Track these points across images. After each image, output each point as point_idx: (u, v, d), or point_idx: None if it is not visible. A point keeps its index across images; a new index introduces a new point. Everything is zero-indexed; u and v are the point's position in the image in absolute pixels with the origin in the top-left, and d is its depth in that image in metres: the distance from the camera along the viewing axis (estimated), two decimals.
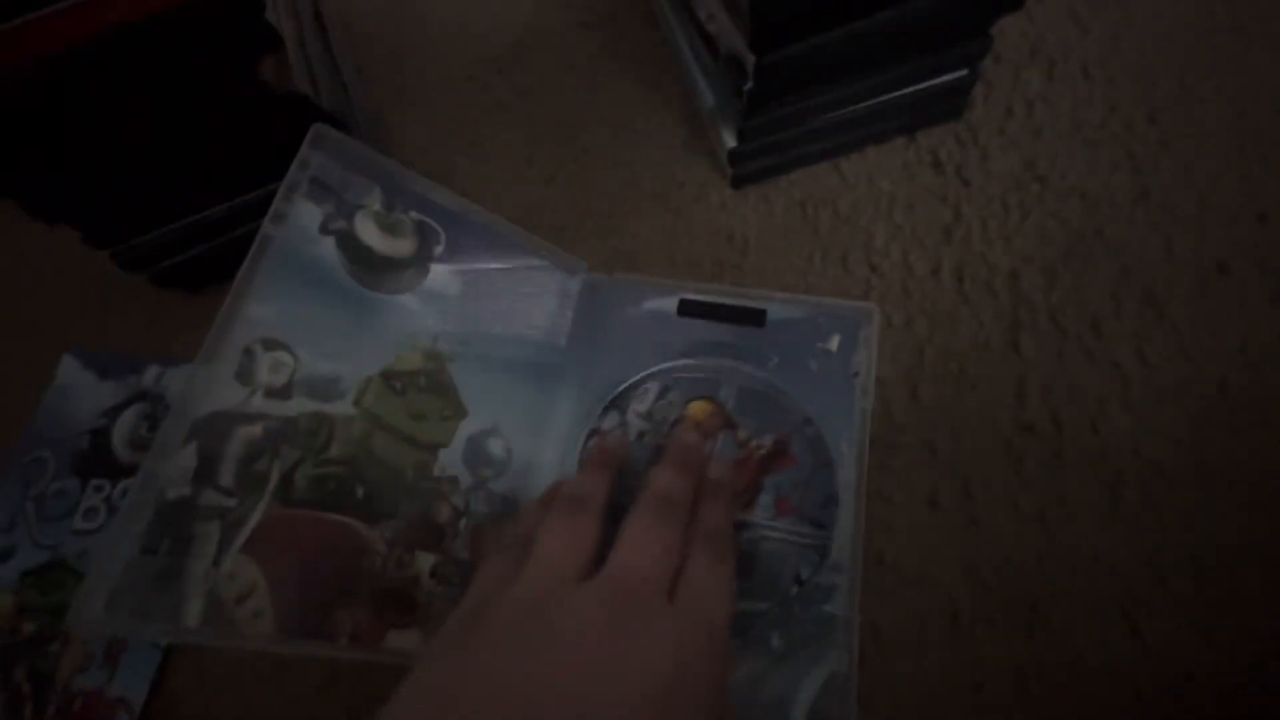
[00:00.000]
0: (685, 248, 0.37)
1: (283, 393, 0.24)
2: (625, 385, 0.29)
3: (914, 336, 0.33)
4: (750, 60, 0.30)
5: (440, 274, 0.28)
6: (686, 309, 0.30)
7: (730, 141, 0.36)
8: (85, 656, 0.29)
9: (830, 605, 0.25)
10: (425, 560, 0.25)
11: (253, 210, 0.34)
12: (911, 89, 0.35)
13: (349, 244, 0.27)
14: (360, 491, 0.25)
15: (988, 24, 0.33)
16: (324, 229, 0.26)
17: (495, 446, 0.28)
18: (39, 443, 0.34)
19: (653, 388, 0.29)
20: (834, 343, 0.29)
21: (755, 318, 0.30)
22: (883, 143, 0.38)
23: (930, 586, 0.28)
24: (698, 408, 0.29)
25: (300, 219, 0.26)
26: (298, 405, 0.25)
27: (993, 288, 0.34)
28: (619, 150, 0.40)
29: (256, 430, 0.24)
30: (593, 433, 0.29)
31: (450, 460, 0.27)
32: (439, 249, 0.29)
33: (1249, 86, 0.37)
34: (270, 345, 0.24)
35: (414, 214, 0.28)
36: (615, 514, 0.22)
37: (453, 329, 0.28)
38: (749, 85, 0.32)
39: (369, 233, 0.27)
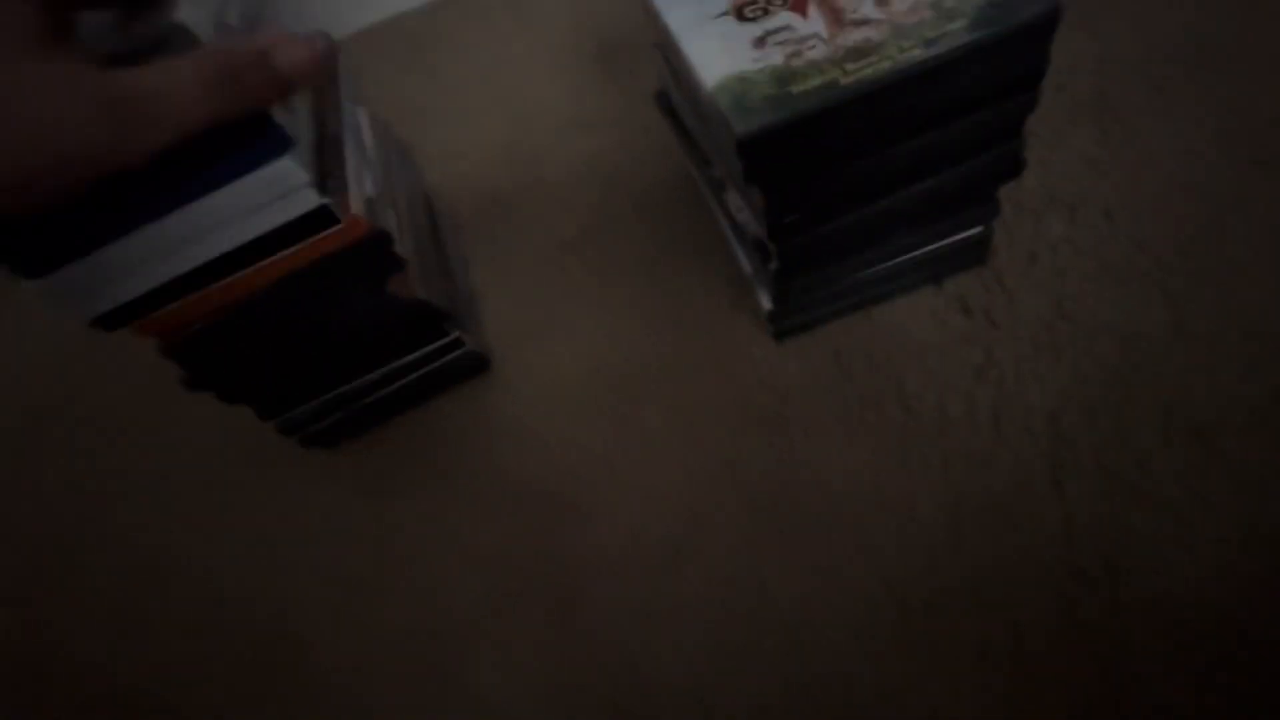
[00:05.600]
0: (732, 399, 0.41)
1: None
2: None
3: (953, 479, 0.34)
4: (772, 247, 0.36)
5: None
6: None
7: (767, 304, 0.41)
8: None
9: None
10: None
11: (380, 383, 0.43)
12: (931, 247, 0.39)
13: None
14: None
15: (990, 193, 0.37)
16: None
17: None
18: None
19: None
20: None
21: None
22: (911, 292, 0.41)
23: None
24: None
25: None
26: None
27: (1031, 429, 0.35)
28: (675, 312, 0.46)
29: None
30: None
31: None
32: None
33: (1274, 214, 0.38)
34: None
35: None
36: None
37: None
38: (774, 265, 0.37)
39: None
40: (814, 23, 0.27)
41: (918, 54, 0.26)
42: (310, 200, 0.32)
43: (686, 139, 0.44)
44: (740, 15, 0.29)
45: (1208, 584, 0.29)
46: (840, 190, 0.34)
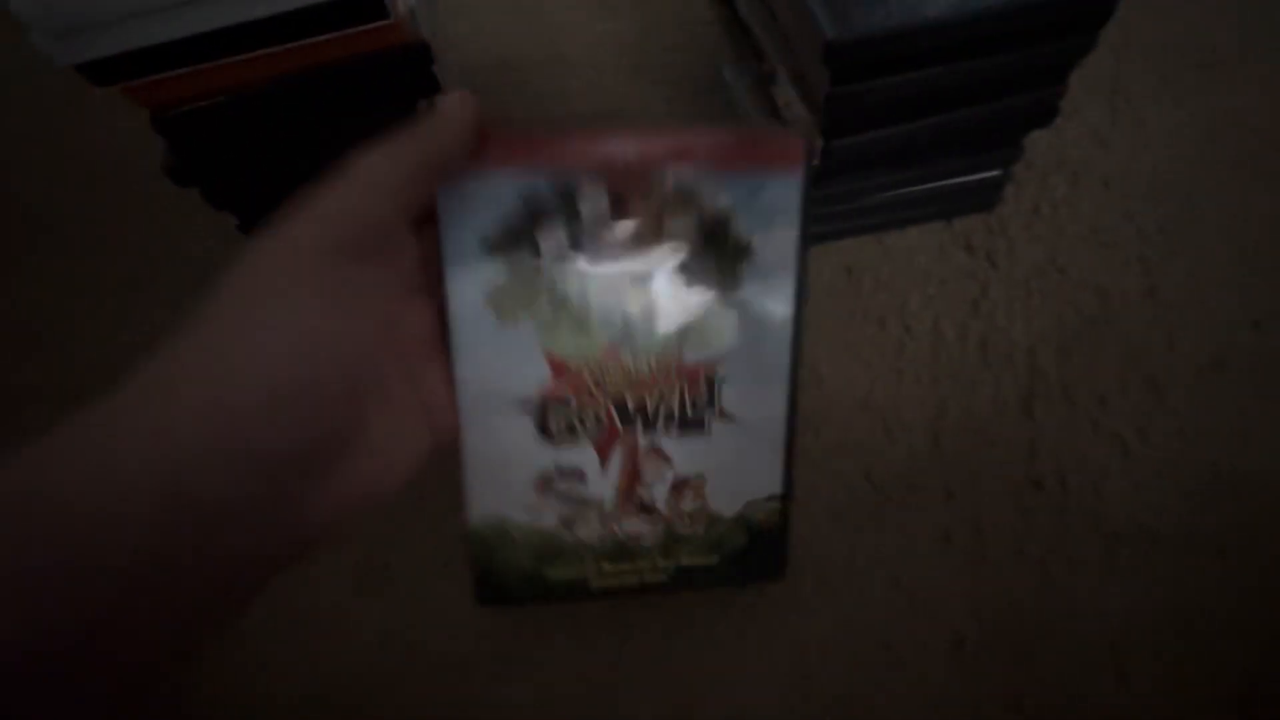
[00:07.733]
0: None
1: None
2: None
3: (939, 393, 0.37)
4: (819, 144, 0.36)
5: None
6: None
7: None
8: None
9: None
10: None
11: None
12: (952, 181, 0.41)
13: None
14: None
15: (1020, 135, 0.39)
16: None
17: None
18: None
19: None
20: None
21: None
22: (923, 224, 0.43)
23: (937, 612, 0.32)
24: None
25: None
26: None
27: (1012, 359, 0.38)
28: None
29: None
30: None
31: None
32: None
33: (1244, 210, 0.42)
34: None
35: None
36: None
37: None
38: (815, 164, 0.37)
39: None
40: (609, 479, 0.23)
41: (663, 579, 0.24)
42: None
43: (737, 26, 0.43)
44: (544, 425, 0.22)
45: (1140, 508, 0.33)
46: (900, 100, 0.34)
